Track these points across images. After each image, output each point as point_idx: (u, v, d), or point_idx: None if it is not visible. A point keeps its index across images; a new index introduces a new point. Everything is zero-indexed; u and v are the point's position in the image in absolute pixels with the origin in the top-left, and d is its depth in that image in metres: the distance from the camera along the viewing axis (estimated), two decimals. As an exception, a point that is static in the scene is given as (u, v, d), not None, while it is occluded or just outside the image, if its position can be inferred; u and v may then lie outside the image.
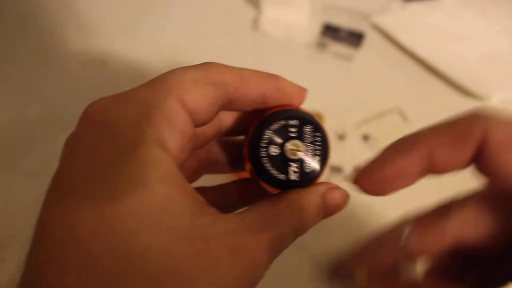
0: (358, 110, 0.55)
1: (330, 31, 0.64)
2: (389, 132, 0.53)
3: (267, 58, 0.62)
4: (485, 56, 0.63)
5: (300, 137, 0.19)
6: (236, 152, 0.23)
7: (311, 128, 0.19)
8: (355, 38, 0.63)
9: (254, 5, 0.69)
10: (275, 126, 0.18)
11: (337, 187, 0.19)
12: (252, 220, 0.16)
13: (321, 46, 0.64)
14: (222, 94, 0.17)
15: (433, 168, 0.16)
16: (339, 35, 0.63)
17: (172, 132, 0.15)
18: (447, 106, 0.56)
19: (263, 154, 0.18)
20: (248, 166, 0.19)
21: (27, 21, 0.65)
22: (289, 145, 0.18)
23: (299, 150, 0.18)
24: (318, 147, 0.19)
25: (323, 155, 0.19)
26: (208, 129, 0.20)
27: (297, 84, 0.20)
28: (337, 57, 0.63)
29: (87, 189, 0.14)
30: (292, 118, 0.19)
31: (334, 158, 0.51)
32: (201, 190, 0.22)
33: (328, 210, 0.18)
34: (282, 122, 0.18)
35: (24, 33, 0.64)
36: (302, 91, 0.20)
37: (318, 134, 0.19)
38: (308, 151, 0.19)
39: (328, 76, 0.61)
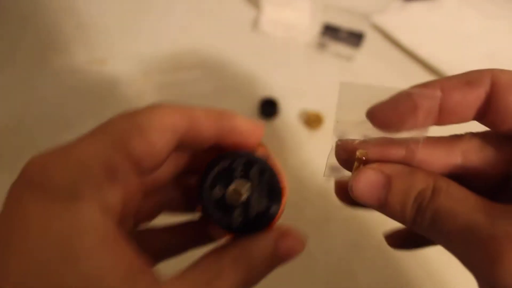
0: (358, 110, 0.55)
1: (330, 31, 0.64)
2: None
3: (267, 58, 0.62)
4: (485, 56, 0.62)
5: (245, 178, 0.18)
6: (194, 193, 0.23)
7: (258, 169, 0.18)
8: (355, 38, 0.63)
9: (254, 5, 0.69)
10: (220, 167, 0.18)
11: (291, 233, 0.18)
12: (192, 282, 0.15)
13: (321, 46, 0.64)
14: (170, 138, 0.16)
15: (444, 111, 0.17)
16: (339, 35, 0.63)
17: (113, 186, 0.15)
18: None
19: (206, 196, 0.17)
20: (198, 207, 0.19)
21: (27, 21, 0.65)
22: (231, 188, 0.17)
23: (241, 193, 0.17)
24: (266, 188, 0.18)
25: (273, 196, 0.18)
26: (163, 173, 0.20)
27: (253, 120, 0.19)
28: (337, 57, 0.63)
29: (15, 260, 0.13)
30: (239, 157, 0.18)
31: (334, 158, 0.51)
32: (151, 231, 0.22)
33: (281, 259, 0.17)
34: (227, 163, 0.18)
35: (24, 33, 0.64)
36: (258, 129, 0.19)
37: (266, 174, 0.18)
38: (255, 193, 0.18)
39: (328, 76, 0.61)
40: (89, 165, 0.14)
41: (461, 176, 0.17)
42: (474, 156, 0.17)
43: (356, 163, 0.18)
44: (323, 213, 0.46)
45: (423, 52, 0.62)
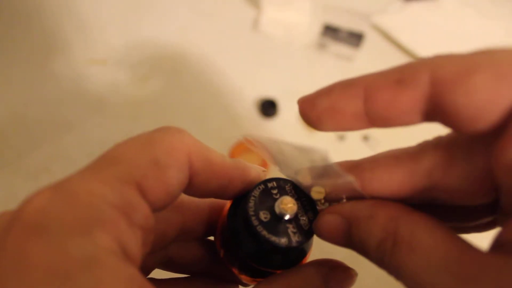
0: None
1: (330, 32, 0.64)
2: (389, 133, 0.53)
3: (267, 58, 0.62)
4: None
5: (286, 194, 0.17)
6: (198, 253, 0.21)
7: (290, 186, 0.17)
8: (355, 38, 0.63)
9: (254, 5, 0.69)
10: (256, 192, 0.17)
11: (342, 267, 0.16)
12: None
13: (321, 46, 0.64)
14: (185, 179, 0.14)
15: (376, 114, 0.14)
16: (339, 35, 0.63)
17: (131, 231, 0.13)
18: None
19: (255, 222, 0.16)
20: (222, 252, 0.18)
21: (28, 21, 0.65)
22: (281, 204, 0.16)
23: (292, 207, 0.16)
24: (305, 202, 0.17)
25: (314, 210, 0.17)
26: (170, 230, 0.18)
27: (260, 167, 0.18)
28: (337, 57, 0.63)
29: None
30: (269, 181, 0.17)
31: (334, 158, 0.51)
32: (153, 282, 0.19)
33: None
34: (262, 186, 0.17)
35: (24, 33, 0.64)
36: (263, 176, 0.18)
37: (298, 189, 0.17)
38: (299, 208, 0.17)
39: (328, 76, 0.61)
40: (98, 206, 0.12)
41: (436, 197, 0.15)
42: (442, 174, 0.14)
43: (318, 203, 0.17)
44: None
45: (423, 52, 0.62)
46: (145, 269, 0.19)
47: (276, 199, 0.17)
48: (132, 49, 0.62)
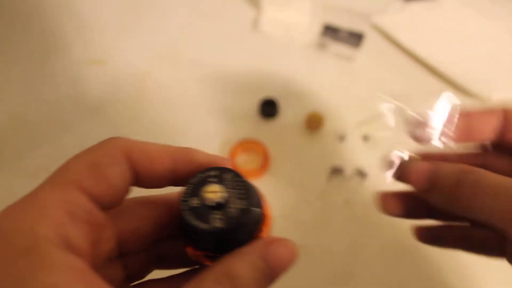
0: (358, 110, 0.55)
1: (330, 31, 0.64)
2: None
3: (267, 58, 0.62)
4: (485, 56, 0.62)
5: (220, 183, 0.18)
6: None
7: (231, 175, 0.18)
8: (355, 38, 0.63)
9: (254, 5, 0.69)
10: (195, 179, 0.18)
11: (279, 240, 0.16)
12: None
13: (321, 46, 0.64)
14: (125, 171, 0.17)
15: (468, 129, 0.24)
16: (339, 35, 0.63)
17: (76, 226, 0.15)
18: (447, 106, 0.56)
19: (184, 207, 0.17)
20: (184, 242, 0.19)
21: (28, 21, 0.65)
22: (206, 190, 0.17)
23: (217, 192, 0.17)
24: (242, 191, 0.17)
25: (250, 198, 0.17)
26: (144, 226, 0.19)
27: (215, 154, 0.19)
28: (337, 57, 0.63)
29: None
30: (211, 170, 0.18)
31: (334, 158, 0.51)
32: (149, 283, 0.21)
33: (272, 270, 0.16)
34: (201, 175, 0.18)
35: (24, 33, 0.64)
36: (222, 161, 0.19)
37: (239, 179, 0.18)
38: (231, 196, 0.17)
39: (328, 76, 0.61)
40: (45, 205, 0.14)
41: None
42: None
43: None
44: (323, 214, 0.46)
45: (423, 52, 0.62)
46: (141, 270, 0.21)
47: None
48: (132, 49, 0.62)
